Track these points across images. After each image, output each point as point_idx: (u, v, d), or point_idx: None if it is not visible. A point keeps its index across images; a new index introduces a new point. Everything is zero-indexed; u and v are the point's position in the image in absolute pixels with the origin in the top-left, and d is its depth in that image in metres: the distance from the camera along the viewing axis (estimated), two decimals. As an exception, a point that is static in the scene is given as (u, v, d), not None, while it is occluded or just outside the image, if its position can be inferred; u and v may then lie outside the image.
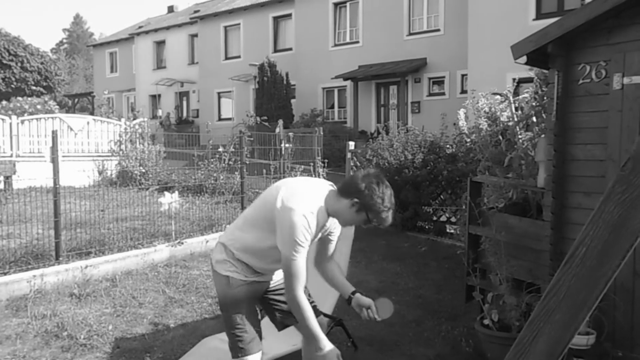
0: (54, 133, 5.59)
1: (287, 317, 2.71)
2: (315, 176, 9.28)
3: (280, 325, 2.77)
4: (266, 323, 2.77)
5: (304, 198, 2.38)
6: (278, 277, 2.66)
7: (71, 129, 12.39)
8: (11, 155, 11.13)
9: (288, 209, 2.32)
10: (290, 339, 3.19)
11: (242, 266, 2.53)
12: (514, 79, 6.72)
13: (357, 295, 2.66)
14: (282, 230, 2.34)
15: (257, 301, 2.67)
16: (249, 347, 2.50)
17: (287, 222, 2.31)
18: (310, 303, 2.61)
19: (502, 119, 5.14)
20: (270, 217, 2.41)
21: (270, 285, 2.69)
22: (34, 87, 25.13)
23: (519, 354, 0.95)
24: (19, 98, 16.50)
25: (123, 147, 11.62)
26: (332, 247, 2.71)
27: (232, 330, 2.52)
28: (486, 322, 3.51)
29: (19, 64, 24.77)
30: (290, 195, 2.39)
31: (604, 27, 3.19)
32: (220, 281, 2.55)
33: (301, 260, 2.35)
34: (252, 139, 10.50)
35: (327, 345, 2.43)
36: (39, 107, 15.20)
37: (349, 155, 9.21)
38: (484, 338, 3.52)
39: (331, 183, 2.59)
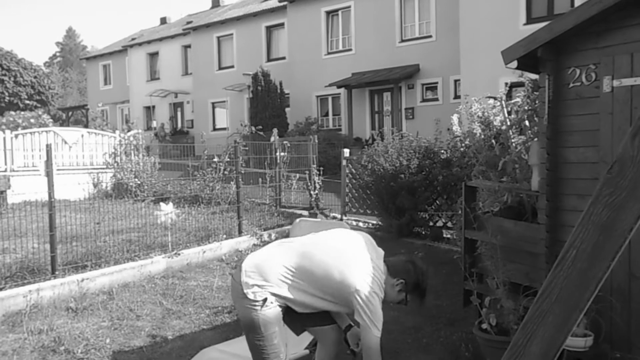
0: (48, 146, 5.58)
1: (307, 321, 2.71)
2: (311, 184, 9.28)
3: (299, 330, 2.78)
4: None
5: (374, 278, 2.49)
6: None
7: (65, 142, 12.36)
8: (5, 170, 11.09)
9: (369, 294, 2.43)
10: (291, 347, 3.18)
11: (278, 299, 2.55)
12: (506, 84, 6.78)
13: (354, 328, 2.74)
14: (366, 313, 2.43)
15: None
16: None
17: (371, 306, 2.43)
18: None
19: (495, 123, 5.17)
20: (337, 291, 2.50)
21: None
22: (27, 101, 25.11)
23: (514, 357, 0.95)
24: (12, 112, 16.48)
25: (118, 159, 11.61)
26: None
27: (266, 352, 2.47)
28: (484, 326, 3.51)
29: (12, 78, 24.76)
30: (365, 277, 2.47)
31: (592, 30, 3.23)
32: (252, 304, 2.46)
33: (379, 337, 2.48)
34: (247, 148, 10.52)
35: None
36: (32, 121, 15.18)
37: (344, 162, 9.23)
38: (482, 342, 3.52)
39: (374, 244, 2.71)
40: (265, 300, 2.44)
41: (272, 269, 2.51)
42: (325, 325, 2.74)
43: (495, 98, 5.36)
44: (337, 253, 2.55)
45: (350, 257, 2.52)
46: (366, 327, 2.41)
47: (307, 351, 3.04)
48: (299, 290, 2.49)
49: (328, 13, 20.54)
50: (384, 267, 2.59)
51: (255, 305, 2.43)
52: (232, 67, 23.66)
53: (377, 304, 2.43)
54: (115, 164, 11.49)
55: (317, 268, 2.50)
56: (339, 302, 2.52)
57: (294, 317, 2.64)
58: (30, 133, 12.14)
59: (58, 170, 9.59)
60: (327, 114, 21.11)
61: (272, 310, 2.45)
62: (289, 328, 2.72)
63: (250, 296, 2.44)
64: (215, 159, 9.86)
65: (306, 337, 2.87)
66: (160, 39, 28.17)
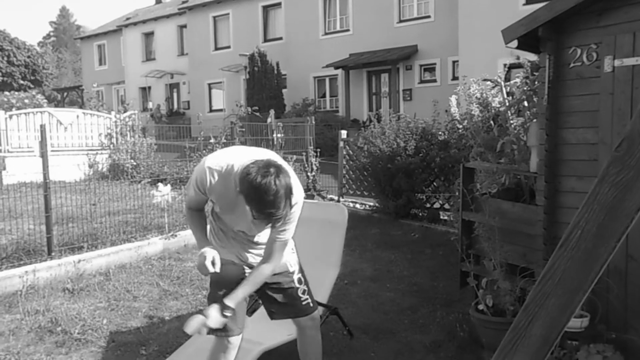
0: (43, 127, 5.52)
1: (276, 311, 2.74)
2: (308, 166, 9.25)
3: (270, 316, 2.80)
4: (262, 313, 2.78)
5: (221, 156, 2.34)
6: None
7: (61, 123, 12.26)
8: (0, 151, 11.01)
9: (202, 161, 2.35)
10: (285, 329, 3.19)
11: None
12: (505, 65, 6.71)
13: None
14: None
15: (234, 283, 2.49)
16: (225, 330, 2.51)
17: (195, 168, 2.39)
18: (305, 300, 2.68)
19: (493, 104, 5.13)
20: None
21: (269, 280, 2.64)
22: (21, 82, 24.87)
23: (515, 339, 0.94)
24: (7, 93, 16.30)
25: (114, 140, 11.52)
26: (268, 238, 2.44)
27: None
28: (481, 307, 3.52)
29: (5, 58, 24.49)
30: (212, 154, 2.40)
31: (594, 9, 3.17)
32: None
33: (187, 196, 2.46)
34: (243, 129, 10.44)
35: (201, 249, 2.38)
36: (26, 101, 15.03)
37: (341, 144, 9.19)
38: (478, 323, 3.54)
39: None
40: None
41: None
42: (291, 317, 2.75)
43: (491, 80, 5.31)
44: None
45: (224, 149, 2.50)
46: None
47: (293, 336, 3.03)
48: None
49: (325, -8, 20.29)
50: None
51: None
52: (229, 47, 23.43)
53: (195, 173, 2.32)
54: (111, 145, 11.41)
55: None
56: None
57: (264, 295, 2.71)
58: (25, 114, 12.03)
59: (53, 151, 9.53)
60: (324, 96, 20.99)
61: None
62: (265, 311, 2.82)
63: None
64: (212, 140, 9.79)
65: (291, 324, 2.88)
66: (156, 19, 27.81)
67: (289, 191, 2.08)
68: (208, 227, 2.59)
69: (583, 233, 0.87)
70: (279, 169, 2.09)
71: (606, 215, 0.85)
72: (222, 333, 2.51)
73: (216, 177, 2.27)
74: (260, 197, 2.02)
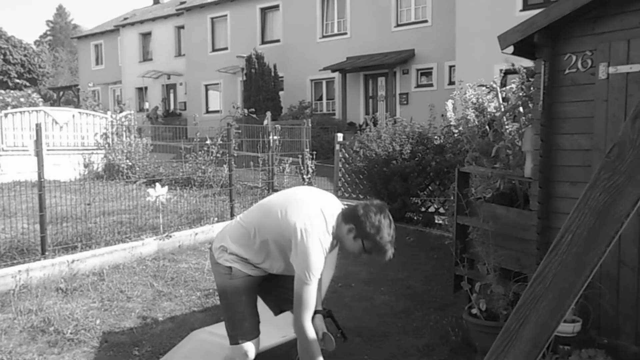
0: (38, 126, 5.50)
1: (284, 303, 2.73)
2: (304, 168, 9.26)
3: (277, 310, 2.81)
4: (261, 311, 2.78)
5: (318, 220, 2.38)
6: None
7: (56, 123, 12.21)
8: (-5, 149, 10.96)
9: (306, 232, 2.32)
10: (279, 331, 3.19)
11: (243, 263, 2.56)
12: (501, 70, 6.76)
13: (317, 316, 2.59)
14: (299, 254, 2.33)
15: (256, 291, 2.68)
16: (247, 335, 2.53)
17: (305, 247, 2.31)
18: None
19: (489, 109, 5.16)
20: (279, 232, 2.42)
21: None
22: (17, 80, 24.76)
23: (506, 342, 0.95)
24: (2, 91, 16.23)
25: (109, 140, 11.49)
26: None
27: (232, 317, 2.55)
28: (474, 311, 3.53)
29: (1, 57, 24.39)
30: (306, 217, 2.37)
31: (589, 17, 3.20)
32: (222, 271, 2.57)
33: (314, 287, 2.36)
34: (240, 131, 10.45)
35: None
36: (22, 100, 14.96)
37: (337, 147, 9.20)
38: (471, 327, 3.55)
39: (340, 203, 2.57)
40: (231, 268, 2.52)
41: (231, 225, 2.66)
42: None
43: (486, 86, 5.34)
44: (288, 197, 2.57)
45: (298, 199, 2.50)
46: (299, 271, 2.33)
47: (287, 338, 3.03)
48: (249, 239, 2.51)
49: (323, -4, 20.32)
50: (339, 215, 2.45)
51: (225, 274, 2.54)
52: (226, 49, 23.41)
53: (314, 247, 2.30)
54: (107, 145, 11.38)
55: (265, 210, 2.56)
56: (286, 246, 2.43)
57: (269, 293, 2.72)
58: (20, 112, 11.97)
59: (48, 150, 9.48)
60: (321, 98, 21.00)
61: (240, 281, 2.52)
62: (268, 307, 2.82)
63: (220, 262, 2.56)
64: (208, 142, 9.79)
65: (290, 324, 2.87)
66: (153, 19, 27.77)
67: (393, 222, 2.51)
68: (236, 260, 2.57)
69: (574, 237, 0.88)
70: (382, 206, 2.48)
71: (597, 220, 0.86)
72: (243, 338, 2.56)
73: (328, 243, 2.40)
74: (382, 231, 2.39)
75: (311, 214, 2.39)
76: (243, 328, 2.53)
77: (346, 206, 2.54)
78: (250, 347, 2.54)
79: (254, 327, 2.57)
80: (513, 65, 4.51)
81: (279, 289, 2.69)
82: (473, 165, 4.61)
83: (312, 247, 2.30)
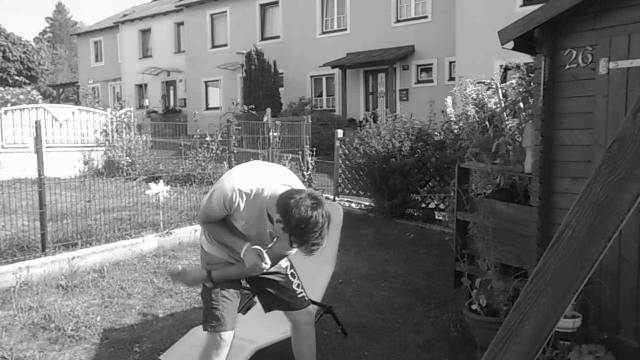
0: (38, 123, 5.50)
1: (272, 302, 2.76)
2: (304, 165, 9.25)
3: (266, 307, 2.83)
4: (256, 311, 2.79)
5: (249, 178, 2.34)
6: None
7: (56, 120, 12.19)
8: (-6, 147, 10.96)
9: (229, 175, 2.38)
10: (279, 327, 3.19)
11: (218, 247, 2.60)
12: (501, 66, 6.73)
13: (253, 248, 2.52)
14: (212, 190, 2.41)
15: (238, 283, 2.68)
16: (219, 324, 2.53)
17: (220, 185, 2.38)
18: (300, 293, 2.63)
19: (489, 105, 5.15)
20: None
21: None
22: (16, 77, 24.72)
23: (506, 338, 0.95)
24: (1, 88, 16.22)
25: (109, 137, 11.49)
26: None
27: (208, 304, 2.57)
28: (474, 307, 3.53)
29: (1, 54, 24.33)
30: (238, 172, 2.40)
31: (590, 11, 3.19)
32: (203, 257, 2.70)
33: (206, 214, 2.45)
34: (239, 128, 10.44)
35: (242, 247, 2.42)
36: (21, 97, 14.94)
37: (337, 143, 9.19)
38: (472, 323, 3.55)
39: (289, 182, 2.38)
40: (207, 254, 2.65)
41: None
42: (287, 309, 2.75)
43: (485, 83, 5.33)
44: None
45: (260, 166, 2.50)
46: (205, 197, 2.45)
47: (287, 334, 3.03)
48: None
49: (323, -9, 20.27)
50: (278, 198, 2.20)
51: (204, 256, 2.72)
52: (226, 45, 23.38)
53: (223, 189, 2.30)
54: (107, 142, 11.38)
55: None
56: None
57: (261, 290, 2.77)
58: (20, 109, 11.95)
59: (48, 147, 9.48)
60: (321, 95, 20.98)
61: (215, 267, 2.59)
62: (260, 304, 2.89)
63: (203, 246, 2.71)
64: (208, 138, 9.78)
65: (285, 322, 2.89)
66: (153, 16, 27.71)
67: (329, 222, 2.15)
68: (205, 229, 2.63)
69: (574, 232, 0.88)
70: (321, 201, 2.14)
71: (597, 215, 0.86)
72: (215, 327, 2.52)
73: (244, 200, 2.31)
74: (308, 231, 2.08)
75: (249, 171, 2.40)
76: (215, 316, 2.54)
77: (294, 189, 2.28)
78: (226, 337, 2.56)
79: (225, 317, 2.53)
80: (510, 63, 4.51)
81: (270, 288, 2.72)
82: (473, 161, 4.60)
83: (222, 187, 2.33)
